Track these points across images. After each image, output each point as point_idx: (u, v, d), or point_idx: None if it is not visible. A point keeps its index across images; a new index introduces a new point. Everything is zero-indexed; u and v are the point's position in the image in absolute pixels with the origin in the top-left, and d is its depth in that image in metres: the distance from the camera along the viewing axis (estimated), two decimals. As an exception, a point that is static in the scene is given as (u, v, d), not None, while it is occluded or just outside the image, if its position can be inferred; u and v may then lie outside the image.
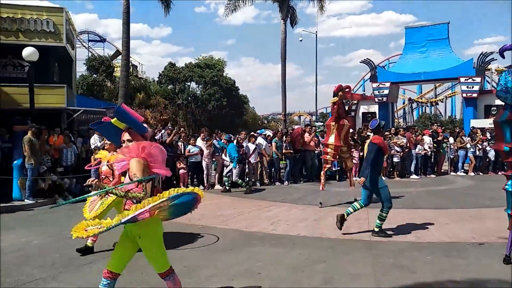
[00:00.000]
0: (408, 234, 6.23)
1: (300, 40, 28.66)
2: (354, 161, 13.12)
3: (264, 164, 12.43)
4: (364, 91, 45.32)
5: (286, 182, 12.53)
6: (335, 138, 8.26)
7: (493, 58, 22.83)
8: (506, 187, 4.74)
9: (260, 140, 12.61)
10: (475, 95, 20.92)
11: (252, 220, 7.29)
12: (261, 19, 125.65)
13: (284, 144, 12.81)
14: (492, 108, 21.34)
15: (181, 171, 11.33)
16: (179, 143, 11.82)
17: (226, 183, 11.11)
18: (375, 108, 24.30)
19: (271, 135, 14.14)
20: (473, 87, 20.83)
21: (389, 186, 11.50)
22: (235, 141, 11.51)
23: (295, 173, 12.96)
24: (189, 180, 11.69)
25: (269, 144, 12.85)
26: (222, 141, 11.90)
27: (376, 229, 6.20)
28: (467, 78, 20.70)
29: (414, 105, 60.83)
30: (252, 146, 12.20)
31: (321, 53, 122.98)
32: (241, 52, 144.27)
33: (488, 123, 19.76)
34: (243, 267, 4.80)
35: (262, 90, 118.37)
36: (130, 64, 38.46)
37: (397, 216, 7.55)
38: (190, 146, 11.66)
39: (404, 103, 60.51)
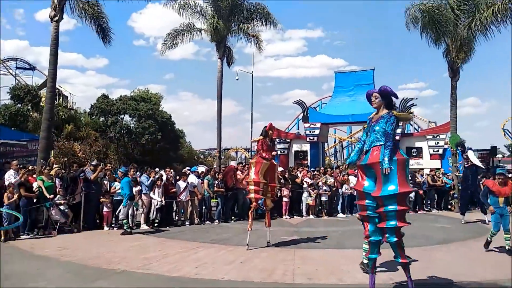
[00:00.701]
0: (331, 276, 6.30)
1: (237, 79, 29.22)
2: (285, 199, 13.43)
3: (195, 203, 12.17)
4: (298, 129, 46.83)
5: (217, 221, 12.34)
6: (255, 174, 8.34)
7: (414, 103, 24.84)
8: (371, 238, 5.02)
9: (191, 178, 12.41)
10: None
11: (176, 264, 7.01)
12: (201, 55, 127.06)
13: (216, 182, 12.73)
14: (412, 150, 22.98)
15: (105, 210, 10.77)
16: (105, 181, 11.29)
17: (125, 225, 10.23)
18: (307, 147, 25.15)
19: (205, 171, 14.00)
20: (395, 130, 22.31)
21: (316, 225, 11.80)
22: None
23: (227, 212, 12.84)
24: (113, 220, 11.11)
25: (201, 182, 12.68)
26: (118, 173, 11.23)
27: (365, 261, 6.30)
28: (390, 121, 22.17)
29: (345, 143, 63.81)
30: (183, 184, 11.97)
31: (259, 92, 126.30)
32: (179, 86, 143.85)
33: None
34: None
35: (200, 125, 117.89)
36: (61, 94, 36.89)
37: (322, 256, 7.69)
38: (116, 183, 11.17)
39: (335, 142, 63.30)
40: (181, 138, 42.79)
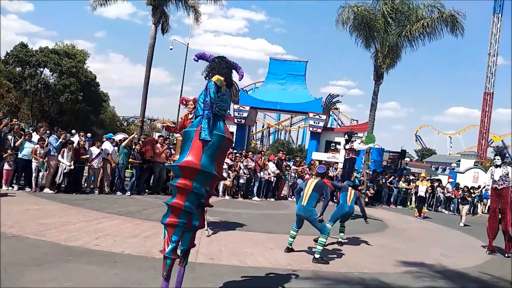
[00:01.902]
0: (233, 257, 6.41)
1: (171, 49, 28.30)
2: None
3: (107, 171, 11.63)
4: (229, 109, 46.84)
5: (129, 192, 11.95)
6: (176, 151, 8.04)
7: (339, 100, 25.93)
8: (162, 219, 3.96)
9: (106, 145, 11.82)
10: (319, 130, 23.34)
11: (75, 233, 6.67)
12: (137, 18, 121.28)
13: (133, 153, 12.29)
14: (331, 144, 24.05)
15: (5, 167, 9.92)
16: (9, 136, 10.38)
17: None
18: (233, 129, 25.21)
19: (122, 139, 13.43)
20: (319, 123, 23.23)
21: (230, 206, 11.91)
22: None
23: (140, 184, 12.47)
24: (15, 180, 10.28)
25: (117, 150, 12.14)
26: None
27: (317, 256, 6.62)
28: (315, 114, 23.02)
29: (272, 129, 65.20)
30: (96, 150, 11.37)
31: (194, 66, 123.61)
32: (110, 47, 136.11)
33: (326, 156, 22.17)
34: (48, 286, 4.30)
35: (128, 91, 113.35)
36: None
37: (229, 237, 7.80)
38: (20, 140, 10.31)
39: (263, 126, 64.36)
40: (104, 101, 40.72)
